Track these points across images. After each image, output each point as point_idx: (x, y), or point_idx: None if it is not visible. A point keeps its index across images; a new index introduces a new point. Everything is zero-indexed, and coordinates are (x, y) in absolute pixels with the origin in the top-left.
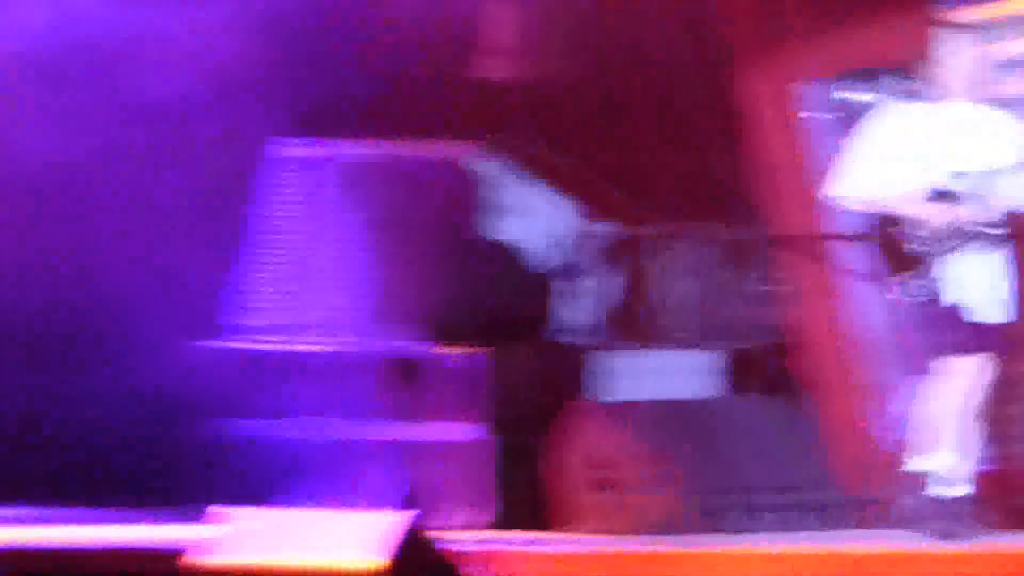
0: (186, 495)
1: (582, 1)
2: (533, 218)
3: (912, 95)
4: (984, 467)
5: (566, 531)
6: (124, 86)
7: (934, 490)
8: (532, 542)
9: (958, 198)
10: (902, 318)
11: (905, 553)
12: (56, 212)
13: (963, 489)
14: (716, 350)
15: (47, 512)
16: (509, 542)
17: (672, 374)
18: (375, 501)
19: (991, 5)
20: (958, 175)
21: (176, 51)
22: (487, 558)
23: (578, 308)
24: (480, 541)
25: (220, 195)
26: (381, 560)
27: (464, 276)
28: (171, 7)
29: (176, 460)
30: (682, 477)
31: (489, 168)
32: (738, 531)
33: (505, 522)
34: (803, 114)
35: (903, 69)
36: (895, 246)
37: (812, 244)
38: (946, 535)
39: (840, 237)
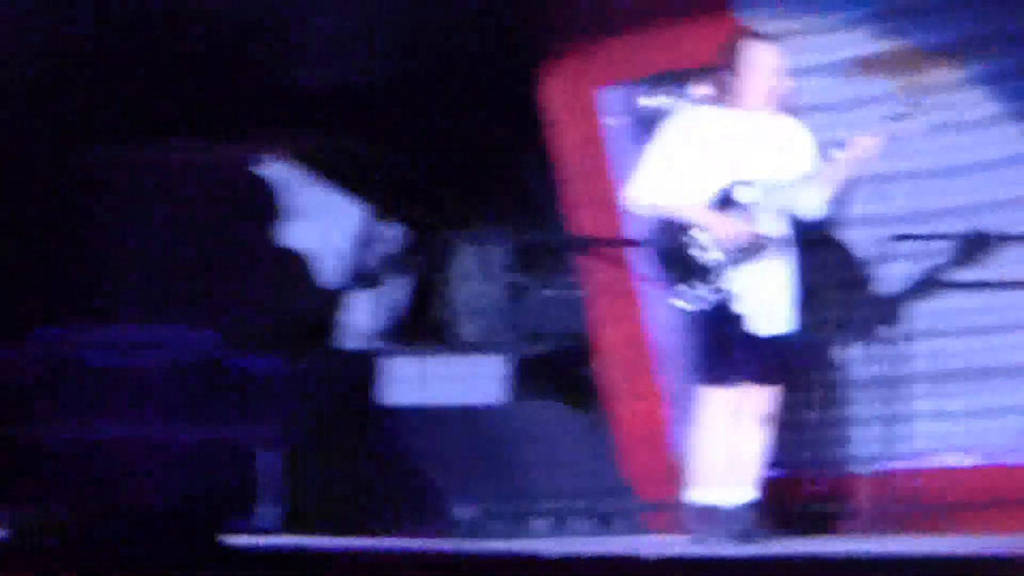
0: None
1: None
2: (329, 222)
3: (710, 101)
4: (777, 473)
5: (358, 534)
6: None
7: (715, 498)
8: (324, 545)
9: (745, 208)
10: (687, 328)
11: (692, 559)
12: None
13: (748, 496)
14: (510, 355)
15: None
16: (301, 544)
17: (464, 379)
18: (171, 502)
19: (790, 16)
20: (746, 184)
21: None
22: (281, 560)
23: (372, 312)
24: (273, 543)
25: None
26: None
27: (260, 280)
28: None
29: None
30: (470, 483)
31: (285, 171)
32: (523, 536)
33: (298, 525)
34: (605, 118)
35: (704, 75)
36: (681, 254)
37: (610, 249)
38: (732, 541)
39: (633, 243)
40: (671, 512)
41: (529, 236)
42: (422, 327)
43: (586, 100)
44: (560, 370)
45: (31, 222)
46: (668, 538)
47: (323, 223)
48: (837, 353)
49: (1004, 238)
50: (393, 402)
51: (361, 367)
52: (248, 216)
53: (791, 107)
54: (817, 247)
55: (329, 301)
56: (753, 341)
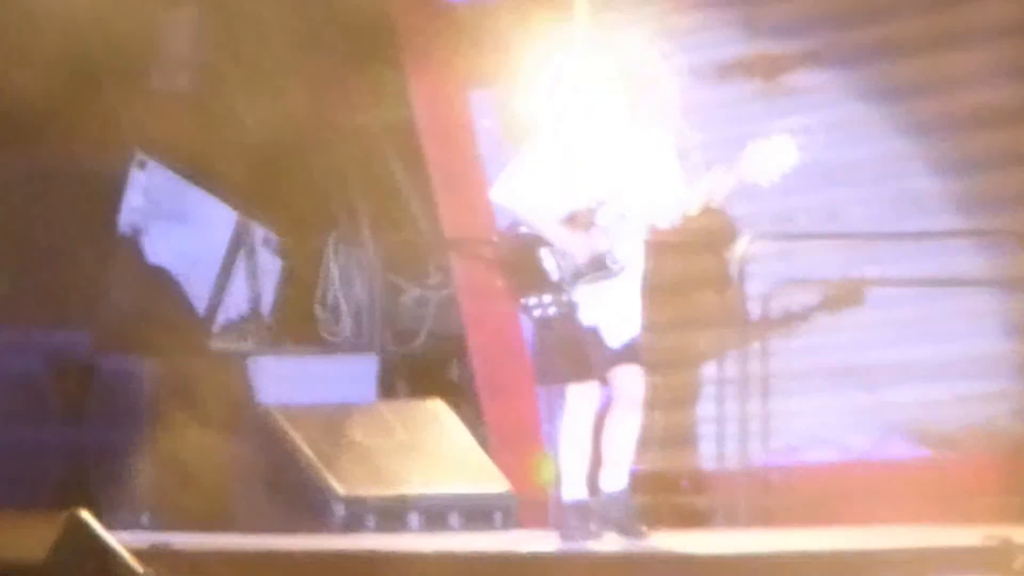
0: None
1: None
2: (195, 224)
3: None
4: (647, 468)
5: (223, 531)
6: None
7: (582, 494)
8: (188, 542)
9: (596, 223)
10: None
11: (558, 555)
12: None
13: (618, 490)
14: (380, 353)
15: None
16: (168, 541)
17: (333, 379)
18: (36, 501)
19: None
20: (602, 202)
21: None
22: (149, 556)
23: (240, 312)
24: (141, 540)
25: None
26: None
27: (124, 282)
28: None
29: None
30: (344, 480)
31: (151, 174)
32: (395, 532)
33: (163, 521)
34: (477, 119)
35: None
36: (530, 266)
37: (480, 248)
38: (602, 535)
39: (494, 244)
40: (545, 508)
41: (402, 236)
42: (294, 327)
43: (458, 102)
44: (434, 368)
45: None
46: (542, 533)
47: (196, 226)
48: (702, 350)
49: (866, 236)
50: (266, 402)
51: (235, 367)
52: (119, 219)
53: (661, 112)
54: (680, 246)
55: (202, 302)
56: (600, 346)
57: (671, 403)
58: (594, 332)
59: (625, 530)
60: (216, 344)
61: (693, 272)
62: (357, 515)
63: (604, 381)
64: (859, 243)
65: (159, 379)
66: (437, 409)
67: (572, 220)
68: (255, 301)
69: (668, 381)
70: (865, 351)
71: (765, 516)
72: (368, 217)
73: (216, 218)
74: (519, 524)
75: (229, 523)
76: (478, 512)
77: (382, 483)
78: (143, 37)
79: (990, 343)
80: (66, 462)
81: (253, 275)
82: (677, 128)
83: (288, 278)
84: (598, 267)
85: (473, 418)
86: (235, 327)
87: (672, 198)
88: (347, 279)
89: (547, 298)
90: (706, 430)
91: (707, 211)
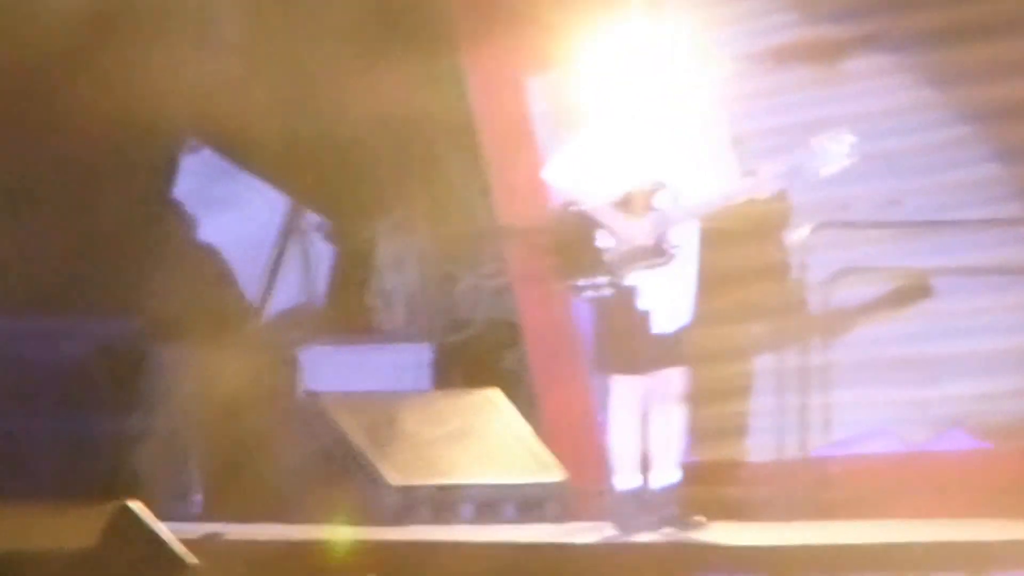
0: None
1: None
2: (243, 212)
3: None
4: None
5: (274, 521)
6: None
7: (635, 484)
8: (240, 532)
9: (652, 206)
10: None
11: (612, 545)
12: None
13: (669, 482)
14: (434, 342)
15: None
16: (219, 531)
17: (386, 368)
18: (87, 490)
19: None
20: (658, 186)
21: None
22: (200, 546)
23: (292, 300)
24: (188, 531)
25: None
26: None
27: (175, 270)
28: None
29: None
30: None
31: (202, 160)
32: (448, 523)
33: (214, 511)
34: (533, 105)
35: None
36: (584, 247)
37: (535, 236)
38: (654, 526)
39: (548, 224)
40: (600, 498)
41: (456, 224)
42: (345, 316)
43: (514, 88)
44: (488, 357)
45: None
46: (597, 524)
47: (244, 214)
48: (754, 341)
49: (927, 225)
50: (318, 391)
51: (284, 356)
52: (166, 207)
53: (717, 98)
54: (739, 234)
55: (250, 291)
56: (648, 336)
57: (728, 393)
58: (645, 318)
59: (680, 523)
60: (267, 332)
61: (751, 260)
62: (409, 505)
63: (647, 373)
64: (920, 232)
65: (210, 368)
66: (494, 398)
67: (627, 202)
68: (307, 289)
69: (725, 371)
70: (926, 342)
71: (822, 508)
72: (422, 205)
73: (268, 204)
74: (573, 514)
75: (280, 513)
76: (532, 502)
77: (435, 473)
78: (198, 22)
79: None
80: (117, 451)
81: (305, 263)
82: (733, 115)
83: (340, 266)
84: (653, 252)
85: (527, 407)
86: (287, 315)
87: (726, 184)
88: (400, 267)
89: (601, 280)
90: (764, 422)
91: (766, 199)
